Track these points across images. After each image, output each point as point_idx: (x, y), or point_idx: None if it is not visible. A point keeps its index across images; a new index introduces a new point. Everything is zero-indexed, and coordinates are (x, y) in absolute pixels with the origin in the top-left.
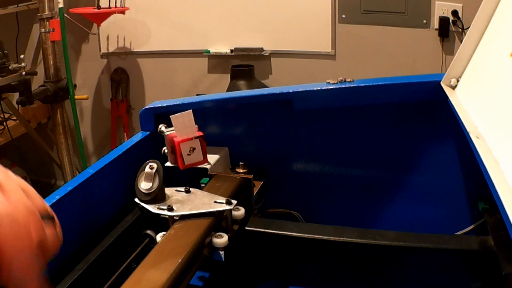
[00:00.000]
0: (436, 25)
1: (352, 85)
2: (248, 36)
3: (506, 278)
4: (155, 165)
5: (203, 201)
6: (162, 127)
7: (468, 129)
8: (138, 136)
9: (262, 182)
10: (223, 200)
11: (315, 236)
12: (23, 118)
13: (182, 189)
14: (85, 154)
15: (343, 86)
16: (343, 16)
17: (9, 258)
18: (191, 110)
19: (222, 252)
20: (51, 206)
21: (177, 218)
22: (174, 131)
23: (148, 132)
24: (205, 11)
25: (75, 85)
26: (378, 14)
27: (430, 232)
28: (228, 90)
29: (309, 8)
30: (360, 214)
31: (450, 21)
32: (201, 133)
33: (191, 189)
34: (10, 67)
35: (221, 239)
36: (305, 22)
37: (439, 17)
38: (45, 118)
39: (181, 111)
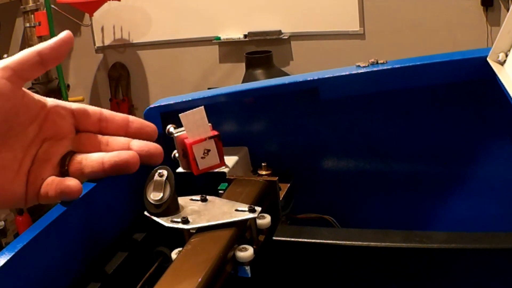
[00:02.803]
0: None
1: (385, 67)
2: (263, 18)
3: None
4: (165, 172)
5: (223, 210)
6: (170, 128)
7: None
8: None
9: (289, 185)
10: (245, 207)
11: (353, 242)
12: None
13: (198, 197)
14: None
15: (375, 69)
16: None
17: None
18: (202, 107)
19: (247, 267)
20: (49, 225)
21: (194, 231)
22: (184, 132)
23: None
24: None
25: (68, 86)
26: None
27: (485, 231)
28: (243, 81)
29: None
30: (404, 214)
31: None
32: (215, 132)
33: (208, 197)
34: None
35: (246, 253)
36: None
37: None
38: None
39: (191, 108)
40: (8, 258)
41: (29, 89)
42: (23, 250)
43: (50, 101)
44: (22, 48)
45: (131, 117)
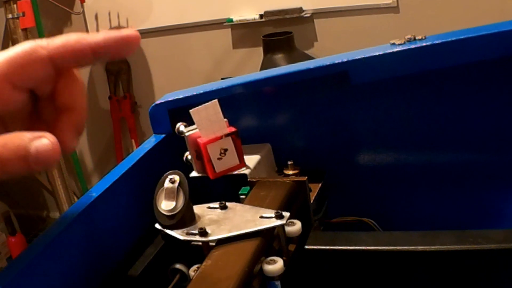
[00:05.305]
0: None
1: (424, 44)
2: None
3: None
4: (177, 178)
5: (246, 218)
6: (180, 126)
7: None
8: (151, 141)
9: (320, 185)
10: (271, 213)
11: (397, 247)
12: None
13: (216, 204)
14: (83, 172)
15: (413, 46)
16: None
17: None
18: (216, 100)
19: (277, 282)
20: (46, 246)
21: (214, 243)
22: (197, 130)
23: (163, 135)
24: None
25: None
26: None
27: None
28: (262, 68)
29: None
30: (455, 212)
31: None
32: (233, 129)
33: (227, 203)
34: None
35: (275, 266)
36: None
37: None
38: None
39: (204, 103)
40: (2, 286)
41: None
42: (19, 276)
43: None
44: (5, 42)
45: (98, 38)
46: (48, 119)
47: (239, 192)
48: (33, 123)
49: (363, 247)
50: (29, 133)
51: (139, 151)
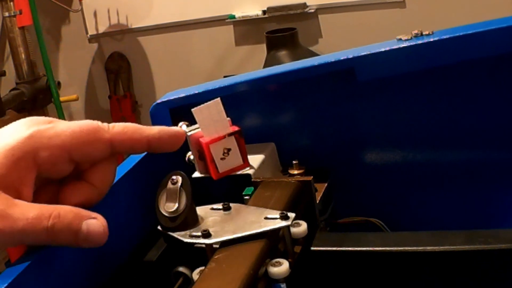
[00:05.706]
0: None
1: (432, 39)
2: None
3: None
4: (179, 178)
5: (250, 219)
6: (182, 125)
7: None
8: None
9: (326, 184)
10: (276, 214)
11: (405, 248)
12: None
13: (220, 206)
14: None
15: (420, 41)
16: None
17: None
18: (219, 99)
19: (283, 285)
20: (45, 250)
21: (217, 246)
22: (199, 130)
23: None
24: None
25: (59, 83)
26: None
27: None
28: (265, 66)
29: None
30: (465, 211)
31: None
32: (236, 128)
33: (231, 204)
34: None
35: (280, 268)
36: None
37: None
38: None
39: (206, 101)
40: None
41: (11, 90)
42: (17, 280)
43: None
44: (1, 41)
45: (154, 131)
46: (68, 184)
47: (243, 193)
48: (58, 184)
49: (371, 248)
50: (84, 211)
51: None
